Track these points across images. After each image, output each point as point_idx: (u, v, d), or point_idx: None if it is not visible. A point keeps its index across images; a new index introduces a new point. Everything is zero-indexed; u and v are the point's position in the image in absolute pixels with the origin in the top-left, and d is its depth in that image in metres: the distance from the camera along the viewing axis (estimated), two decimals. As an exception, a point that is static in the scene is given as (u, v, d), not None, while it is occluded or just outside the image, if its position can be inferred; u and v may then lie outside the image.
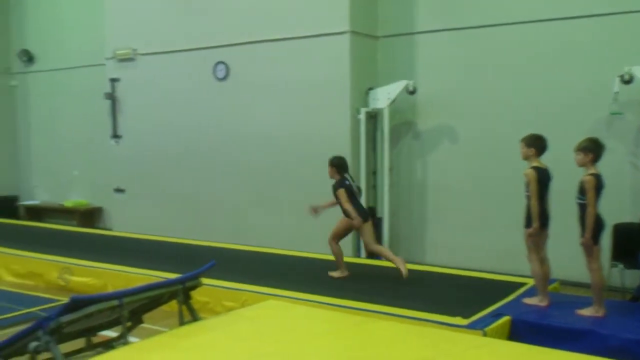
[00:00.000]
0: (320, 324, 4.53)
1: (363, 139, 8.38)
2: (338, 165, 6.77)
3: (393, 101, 8.31)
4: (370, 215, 7.05)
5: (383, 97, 8.34)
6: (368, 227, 6.84)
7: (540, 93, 7.71)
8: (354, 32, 8.33)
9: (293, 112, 8.85)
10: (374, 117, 8.57)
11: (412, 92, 8.26)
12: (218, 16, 9.44)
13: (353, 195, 6.75)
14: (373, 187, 8.67)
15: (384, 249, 7.21)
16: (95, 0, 11.37)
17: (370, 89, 8.53)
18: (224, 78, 9.45)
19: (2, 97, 13.12)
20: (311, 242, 8.38)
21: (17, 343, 4.28)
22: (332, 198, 6.97)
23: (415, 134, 8.64)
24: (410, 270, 6.77)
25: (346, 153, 8.31)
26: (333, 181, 6.88)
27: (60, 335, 4.23)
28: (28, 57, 12.80)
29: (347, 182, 6.71)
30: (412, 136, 8.67)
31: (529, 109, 7.74)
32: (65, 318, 4.13)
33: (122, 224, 10.71)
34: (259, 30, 9.03)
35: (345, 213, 6.73)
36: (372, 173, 8.67)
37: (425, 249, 8.58)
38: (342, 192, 6.67)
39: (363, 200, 8.14)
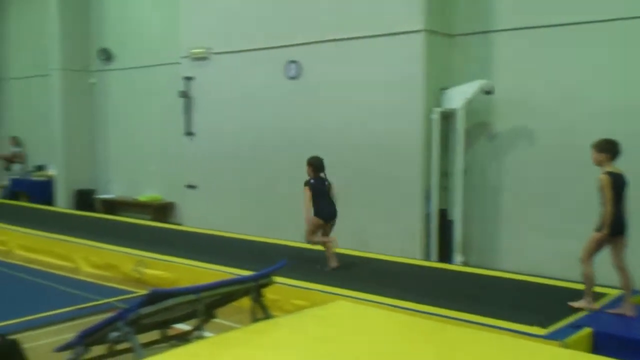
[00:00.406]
0: (393, 328, 4.45)
1: (436, 140, 8.24)
2: (314, 164, 7.33)
3: (468, 101, 8.13)
4: (334, 216, 7.45)
5: (458, 97, 8.18)
6: (329, 227, 7.43)
7: (625, 94, 7.38)
8: (428, 31, 8.20)
9: (364, 111, 8.79)
10: (447, 118, 8.41)
11: (489, 92, 8.06)
12: (291, 15, 9.48)
13: (320, 195, 7.26)
14: (444, 189, 8.51)
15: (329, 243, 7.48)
16: (172, 1, 11.62)
17: (444, 88, 8.39)
18: (296, 77, 9.48)
19: (81, 94, 13.58)
20: (383, 242, 8.34)
21: (98, 332, 4.41)
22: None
23: (491, 135, 8.42)
24: (483, 276, 6.64)
25: (418, 154, 8.25)
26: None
27: (139, 326, 4.33)
28: (107, 56, 13.20)
29: (312, 182, 7.26)
30: (487, 137, 8.45)
31: (612, 110, 7.42)
32: (145, 310, 4.23)
33: (193, 219, 10.91)
34: (331, 29, 9.02)
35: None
36: (444, 175, 8.52)
37: (499, 254, 8.35)
38: (306, 190, 7.24)
39: (434, 203, 8.07)
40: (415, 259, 8.11)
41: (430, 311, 5.62)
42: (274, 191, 9.89)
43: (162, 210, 12.42)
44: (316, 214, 7.29)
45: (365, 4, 8.71)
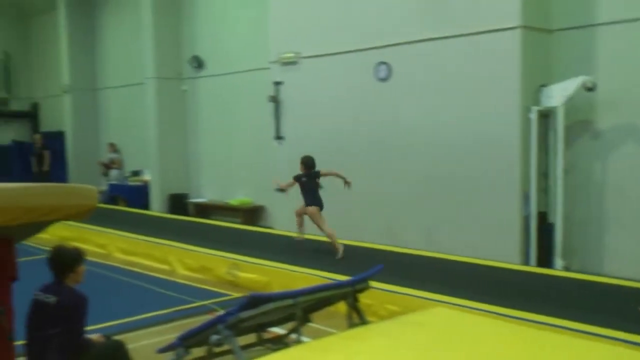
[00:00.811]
0: (495, 336, 4.26)
1: (534, 139, 7.91)
2: (306, 163, 8.60)
3: (569, 99, 7.76)
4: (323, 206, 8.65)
5: (557, 94, 7.82)
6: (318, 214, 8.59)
7: None
8: (525, 27, 7.89)
9: (458, 112, 8.56)
10: (546, 116, 8.06)
11: (591, 89, 7.66)
12: (380, 16, 9.36)
13: (313, 188, 8.56)
14: (544, 190, 8.16)
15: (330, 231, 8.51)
16: (260, 7, 11.78)
17: (543, 86, 8.05)
18: (386, 78, 9.36)
19: (174, 101, 13.97)
20: (479, 245, 8.09)
21: (198, 335, 4.46)
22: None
23: (593, 134, 8.00)
24: (586, 282, 6.32)
25: (515, 154, 7.95)
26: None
27: (237, 330, 4.35)
28: (198, 63, 13.52)
29: (303, 178, 8.54)
30: (590, 136, 8.04)
31: None
32: (245, 314, 4.26)
33: (283, 222, 10.95)
34: (422, 28, 8.84)
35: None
36: (543, 175, 8.17)
37: (604, 259, 7.91)
38: (292, 180, 8.70)
39: (533, 205, 7.81)
40: (513, 263, 7.82)
41: (534, 319, 5.38)
42: (364, 194, 9.78)
43: (252, 214, 12.57)
44: (312, 203, 8.49)
45: (457, 2, 8.49)
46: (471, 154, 8.43)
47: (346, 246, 8.91)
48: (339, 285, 5.09)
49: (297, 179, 8.63)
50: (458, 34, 8.44)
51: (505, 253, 7.95)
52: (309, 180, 8.53)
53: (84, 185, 3.58)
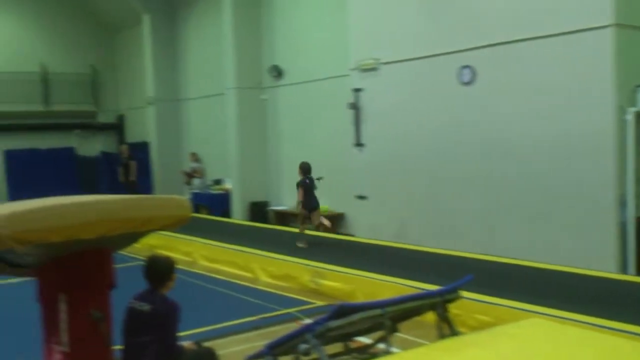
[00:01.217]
0: (592, 349, 4.01)
1: (631, 142, 7.53)
2: (304, 168, 9.88)
3: (669, 99, 7.36)
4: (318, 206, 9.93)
5: (655, 94, 7.43)
6: (316, 214, 9.91)
7: None
8: (618, 25, 7.53)
9: (546, 115, 8.25)
10: (643, 118, 7.67)
11: (692, 88, 7.24)
12: (463, 19, 9.18)
13: (311, 191, 9.79)
14: (641, 196, 7.75)
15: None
16: (339, 15, 11.78)
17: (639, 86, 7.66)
18: (470, 82, 9.14)
19: (254, 110, 14.16)
20: (571, 253, 7.75)
21: (286, 343, 4.44)
22: None
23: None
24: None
25: (610, 157, 7.60)
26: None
27: (325, 339, 4.30)
28: (277, 72, 13.65)
29: (307, 181, 9.75)
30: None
31: None
32: (333, 324, 4.22)
33: (364, 229, 10.89)
34: (508, 30, 8.59)
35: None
36: (641, 180, 7.77)
37: None
38: (300, 188, 9.80)
39: (630, 211, 7.46)
40: (609, 272, 7.44)
41: (634, 330, 5.08)
42: (448, 201, 9.60)
43: (332, 221, 12.50)
44: (314, 204, 9.76)
45: (544, 2, 8.20)
46: (562, 158, 8.10)
47: (438, 255, 8.77)
48: (428, 295, 4.96)
49: (303, 184, 9.76)
50: (546, 35, 8.15)
51: (601, 261, 7.58)
52: (311, 183, 9.78)
53: (178, 196, 3.64)
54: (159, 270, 4.09)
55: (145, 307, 4.04)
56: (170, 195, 3.82)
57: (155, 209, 3.30)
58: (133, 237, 3.59)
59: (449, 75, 9.37)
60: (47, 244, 3.19)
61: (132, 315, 4.08)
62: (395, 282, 7.33)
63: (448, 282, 6.64)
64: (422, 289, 6.85)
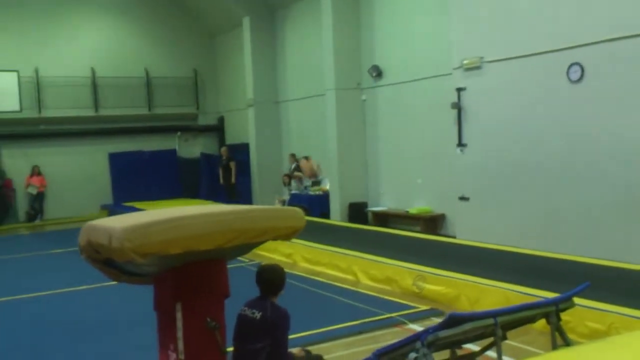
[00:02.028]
0: None
1: None
2: None
3: None
4: None
5: None
6: None
7: None
8: None
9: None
10: None
11: None
12: (573, 13, 8.77)
13: None
14: None
15: None
16: (440, 13, 11.59)
17: None
18: (578, 80, 8.73)
19: (353, 111, 14.15)
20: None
21: (395, 352, 4.41)
22: None
23: None
24: None
25: None
26: None
27: (434, 347, 4.23)
28: (377, 72, 13.57)
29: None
30: None
31: None
32: (443, 333, 4.15)
33: (467, 231, 10.65)
34: (621, 25, 8.13)
35: None
36: None
37: None
38: None
39: None
40: None
41: None
42: (552, 202, 9.22)
43: (432, 223, 12.36)
44: None
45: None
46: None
47: (544, 258, 8.46)
48: (543, 304, 4.78)
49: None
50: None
51: None
52: None
53: (293, 207, 3.67)
54: (274, 279, 4.12)
55: (257, 314, 4.10)
56: (286, 207, 3.87)
57: (271, 220, 3.34)
58: (247, 247, 3.65)
59: (558, 73, 8.98)
60: (166, 256, 3.30)
61: (243, 323, 4.15)
62: (502, 287, 7.13)
63: (556, 286, 6.43)
64: (530, 295, 6.63)
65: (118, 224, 3.27)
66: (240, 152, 18.41)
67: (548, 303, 4.78)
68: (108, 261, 3.79)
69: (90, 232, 3.60)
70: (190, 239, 3.18)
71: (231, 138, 20.26)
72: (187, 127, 20.80)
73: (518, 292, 6.87)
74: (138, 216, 3.55)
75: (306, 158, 15.97)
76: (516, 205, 9.82)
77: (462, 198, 10.75)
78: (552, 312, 4.68)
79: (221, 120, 21.02)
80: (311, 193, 15.39)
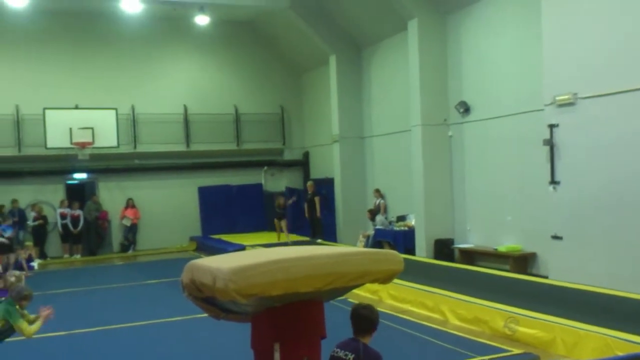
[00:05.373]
0: None
1: None
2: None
3: None
4: None
5: None
6: None
7: None
8: None
9: None
10: None
11: None
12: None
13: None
14: None
15: None
16: (530, 48, 11.42)
17: None
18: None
19: (439, 146, 14.04)
20: None
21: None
22: None
23: None
24: None
25: None
26: None
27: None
28: (465, 108, 13.44)
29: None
30: None
31: None
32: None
33: (560, 272, 10.27)
34: None
35: None
36: None
37: None
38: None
39: None
40: None
41: None
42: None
43: (522, 261, 11.99)
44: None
45: None
46: None
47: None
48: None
49: None
50: None
51: None
52: None
53: (392, 251, 3.66)
54: (368, 320, 4.10)
55: (350, 356, 4.08)
56: (386, 250, 3.87)
57: (370, 264, 3.36)
58: (345, 289, 3.67)
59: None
60: (266, 297, 3.36)
61: (336, 364, 4.14)
62: (602, 333, 6.80)
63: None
64: (633, 343, 6.31)
65: (222, 265, 3.37)
66: (325, 186, 18.57)
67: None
68: (209, 299, 3.90)
69: (193, 271, 3.72)
70: (291, 281, 3.24)
71: (316, 173, 20.50)
72: (273, 162, 21.22)
73: (620, 339, 6.55)
74: (240, 257, 3.64)
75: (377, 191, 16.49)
76: (613, 245, 9.42)
77: (555, 237, 10.40)
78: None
79: (306, 155, 21.32)
80: (396, 229, 15.29)
